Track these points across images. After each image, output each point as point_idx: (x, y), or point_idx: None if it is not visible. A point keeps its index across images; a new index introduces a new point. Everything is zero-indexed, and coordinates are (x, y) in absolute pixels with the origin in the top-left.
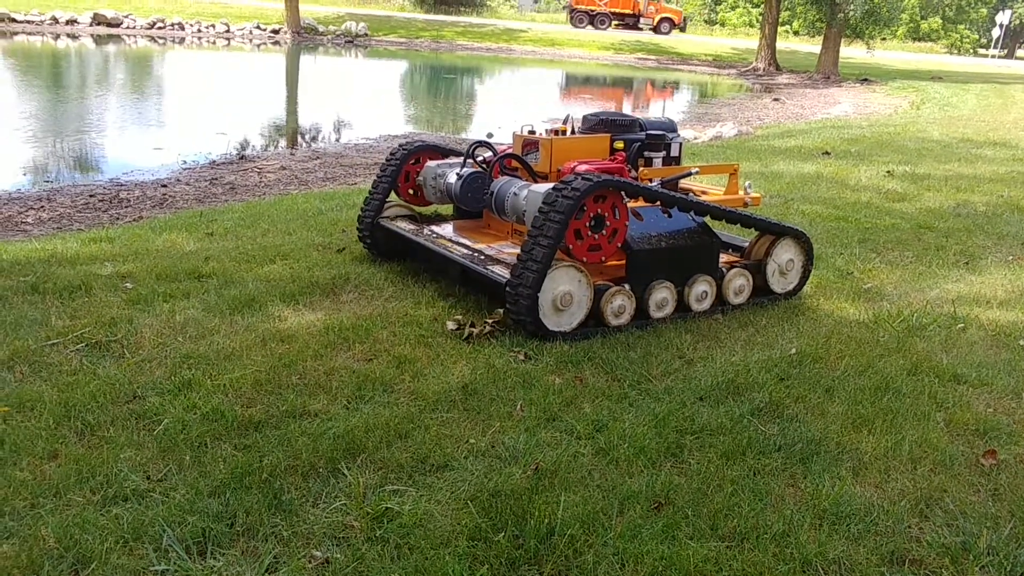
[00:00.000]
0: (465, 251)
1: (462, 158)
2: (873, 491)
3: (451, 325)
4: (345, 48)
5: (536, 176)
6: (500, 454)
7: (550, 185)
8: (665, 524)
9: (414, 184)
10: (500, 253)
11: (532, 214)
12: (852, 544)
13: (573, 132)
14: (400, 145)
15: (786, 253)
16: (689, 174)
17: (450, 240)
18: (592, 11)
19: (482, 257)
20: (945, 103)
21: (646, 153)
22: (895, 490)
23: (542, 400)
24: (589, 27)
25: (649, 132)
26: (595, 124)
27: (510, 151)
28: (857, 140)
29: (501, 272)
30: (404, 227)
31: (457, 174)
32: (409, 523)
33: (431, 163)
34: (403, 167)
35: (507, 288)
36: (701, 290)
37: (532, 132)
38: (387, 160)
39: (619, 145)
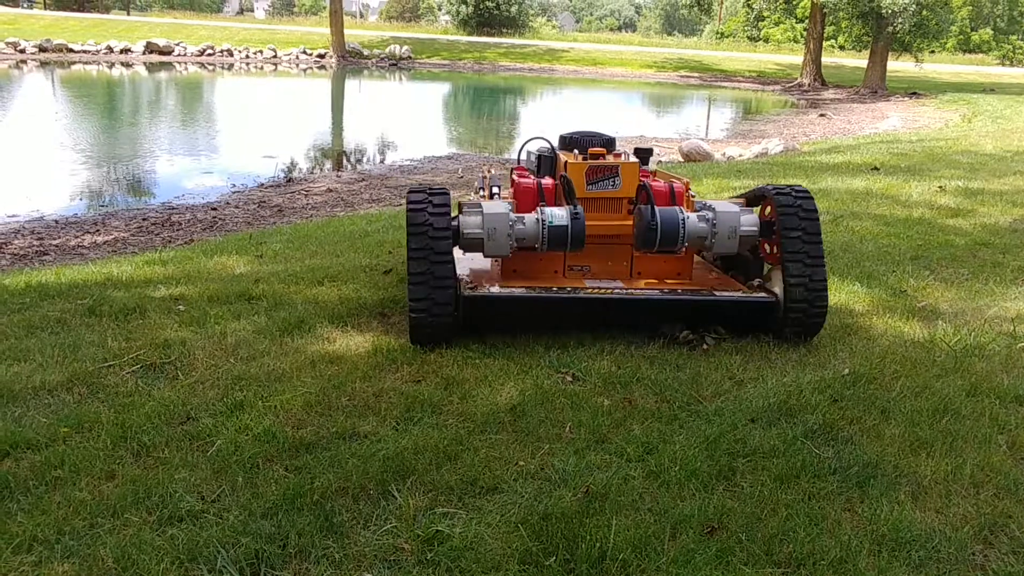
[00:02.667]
0: (645, 292)
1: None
2: (934, 516)
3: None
4: (389, 71)
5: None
6: (550, 476)
7: (735, 206)
8: (719, 549)
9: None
10: (636, 286)
11: (725, 237)
12: (913, 571)
13: (554, 153)
14: (423, 191)
15: None
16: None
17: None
18: None
19: (676, 292)
20: (998, 116)
21: (642, 166)
22: (957, 515)
23: (591, 422)
24: None
25: (636, 147)
26: (601, 143)
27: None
28: (907, 155)
29: (740, 295)
30: (514, 291)
31: (573, 213)
32: (459, 546)
33: (493, 208)
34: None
35: (804, 307)
36: None
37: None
38: (428, 210)
39: None
